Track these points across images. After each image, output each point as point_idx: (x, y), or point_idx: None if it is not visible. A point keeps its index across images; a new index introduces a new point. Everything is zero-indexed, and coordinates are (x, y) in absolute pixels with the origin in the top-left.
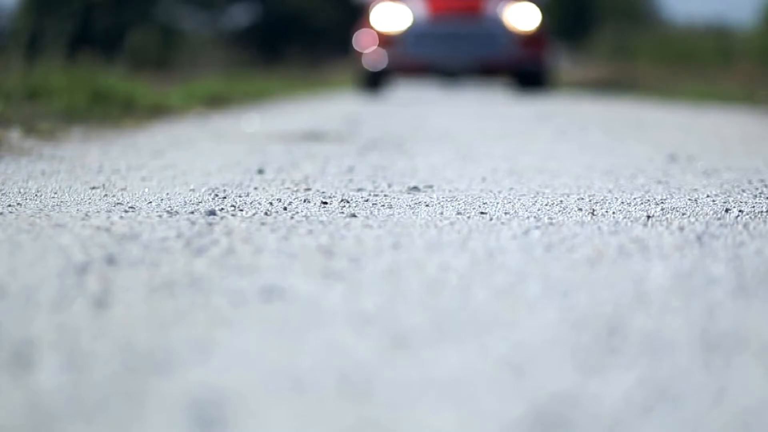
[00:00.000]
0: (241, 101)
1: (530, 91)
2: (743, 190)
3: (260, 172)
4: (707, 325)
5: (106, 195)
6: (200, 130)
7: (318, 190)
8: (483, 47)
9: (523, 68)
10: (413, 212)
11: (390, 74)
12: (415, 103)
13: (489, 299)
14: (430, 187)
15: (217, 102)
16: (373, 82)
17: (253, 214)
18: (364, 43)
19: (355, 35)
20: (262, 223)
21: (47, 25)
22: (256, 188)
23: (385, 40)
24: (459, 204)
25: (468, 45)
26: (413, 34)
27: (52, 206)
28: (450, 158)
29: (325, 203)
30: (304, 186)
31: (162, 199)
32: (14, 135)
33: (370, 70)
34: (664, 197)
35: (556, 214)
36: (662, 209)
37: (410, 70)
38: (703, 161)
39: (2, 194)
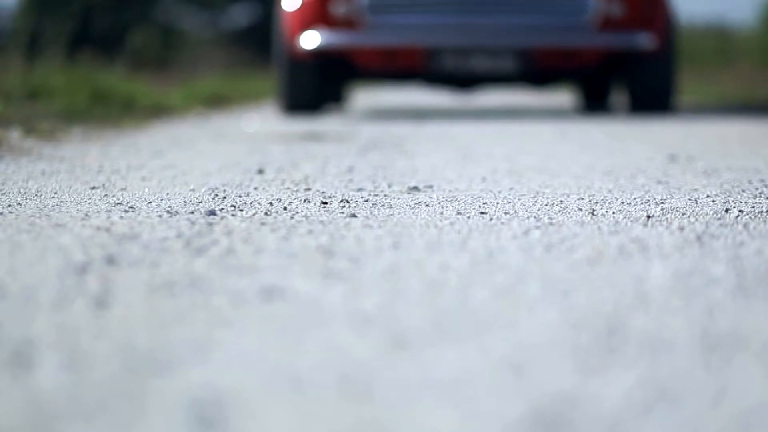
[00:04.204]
0: (241, 101)
1: (640, 110)
2: (743, 190)
3: (260, 172)
4: (707, 325)
5: (106, 195)
6: (200, 130)
7: (318, 190)
8: (546, 14)
9: (623, 49)
10: (413, 212)
11: (340, 71)
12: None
13: (489, 299)
14: (430, 187)
15: (217, 102)
16: (306, 89)
17: (253, 214)
18: (294, 3)
19: None
20: (262, 223)
21: (47, 25)
22: (256, 188)
23: None
24: (459, 204)
25: (510, 8)
26: None
27: (52, 206)
28: (450, 158)
29: (325, 203)
30: (304, 186)
31: (162, 199)
32: (14, 135)
33: (302, 56)
34: (664, 197)
35: (556, 214)
36: (662, 209)
37: (382, 64)
38: (703, 161)
39: (2, 194)
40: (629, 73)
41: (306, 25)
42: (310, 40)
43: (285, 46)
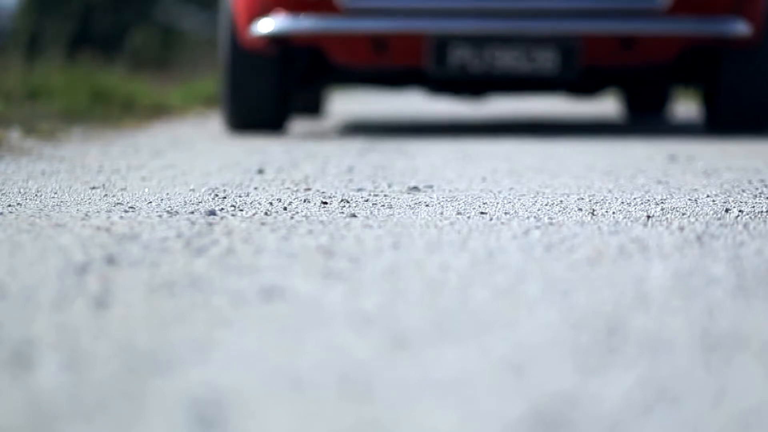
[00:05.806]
0: None
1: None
2: (743, 190)
3: (260, 172)
4: (707, 325)
5: (106, 195)
6: (200, 130)
7: (318, 190)
8: None
9: (707, 38)
10: (413, 212)
11: (311, 70)
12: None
13: (489, 299)
14: (430, 187)
15: (217, 102)
16: (261, 96)
17: (253, 214)
18: None
19: None
20: (262, 223)
21: (47, 25)
22: (256, 188)
23: None
24: (459, 204)
25: None
26: None
27: (52, 206)
28: (450, 158)
29: (325, 203)
30: (304, 186)
31: (162, 199)
32: (14, 135)
33: (256, 47)
34: (664, 197)
35: (556, 214)
36: (662, 209)
37: (367, 59)
38: (703, 161)
39: (2, 194)
40: (709, 75)
41: (263, 5)
42: (268, 22)
43: (232, 34)
